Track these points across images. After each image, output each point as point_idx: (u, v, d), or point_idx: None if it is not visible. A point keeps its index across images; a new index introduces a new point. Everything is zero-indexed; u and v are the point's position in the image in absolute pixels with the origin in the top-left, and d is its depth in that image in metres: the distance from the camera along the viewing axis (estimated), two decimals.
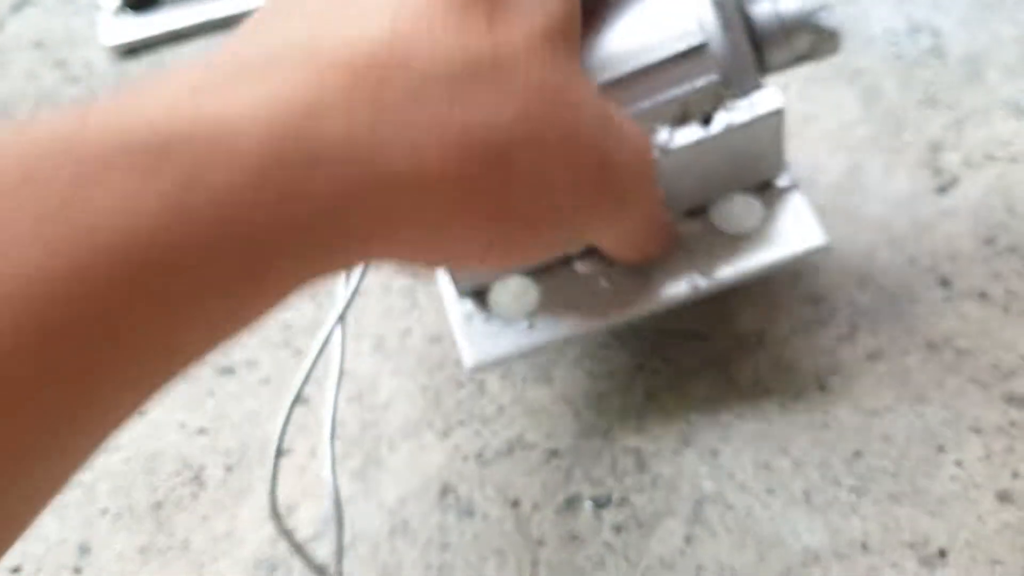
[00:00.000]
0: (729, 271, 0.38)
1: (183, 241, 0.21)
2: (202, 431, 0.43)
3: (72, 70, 0.58)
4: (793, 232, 0.39)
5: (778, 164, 0.40)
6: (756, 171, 0.39)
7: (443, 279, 0.40)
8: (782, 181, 0.40)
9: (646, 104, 0.35)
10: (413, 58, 0.24)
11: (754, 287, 0.45)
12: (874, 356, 0.43)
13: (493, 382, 0.43)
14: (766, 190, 0.40)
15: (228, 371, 0.45)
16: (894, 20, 0.56)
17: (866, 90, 0.53)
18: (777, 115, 0.36)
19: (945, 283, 0.45)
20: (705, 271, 0.38)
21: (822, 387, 0.42)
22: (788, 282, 0.45)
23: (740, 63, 0.36)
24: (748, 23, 0.37)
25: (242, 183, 0.21)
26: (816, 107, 0.52)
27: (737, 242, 0.39)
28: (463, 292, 0.40)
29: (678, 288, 0.38)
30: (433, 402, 0.43)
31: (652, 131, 0.35)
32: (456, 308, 0.40)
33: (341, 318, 0.38)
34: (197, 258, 0.21)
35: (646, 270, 0.39)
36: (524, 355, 0.39)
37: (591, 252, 0.39)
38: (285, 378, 0.44)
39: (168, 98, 0.22)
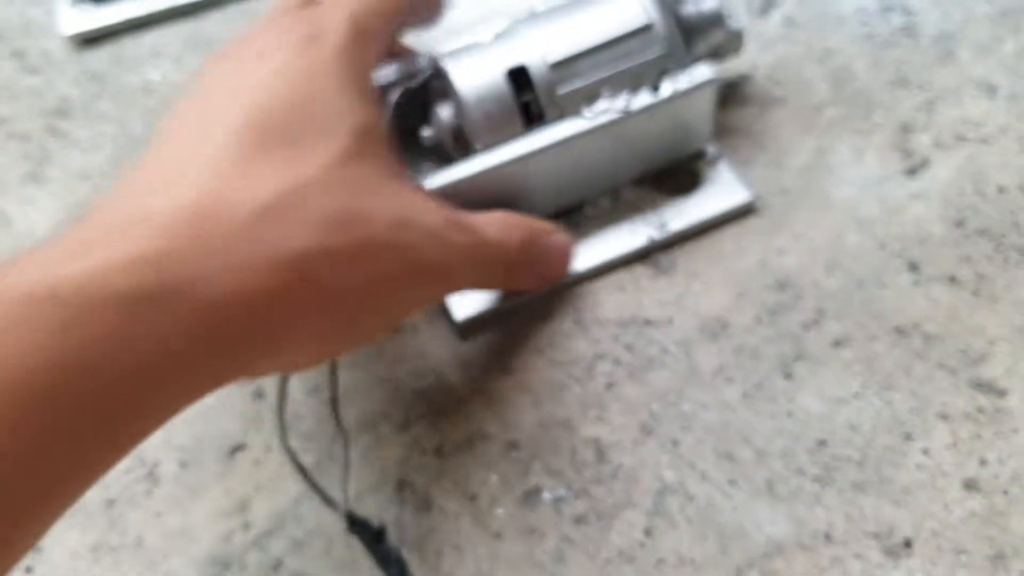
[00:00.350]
0: (676, 224, 0.45)
1: (63, 380, 0.25)
2: None
3: (30, 60, 0.57)
4: (724, 192, 0.46)
5: (708, 134, 0.47)
6: (690, 140, 0.46)
7: None
8: (711, 151, 0.48)
9: (607, 72, 0.43)
10: (223, 207, 0.29)
11: (716, 270, 0.44)
12: (840, 342, 0.42)
13: (453, 374, 0.42)
14: (700, 159, 0.47)
15: None
16: (865, 0, 0.55)
17: (836, 71, 0.52)
18: (711, 84, 0.44)
19: (914, 267, 0.44)
20: (656, 226, 0.45)
21: (787, 375, 0.41)
22: (753, 266, 0.44)
23: (676, 44, 0.44)
24: (677, 18, 0.45)
25: (104, 331, 0.26)
26: (785, 89, 0.51)
27: (679, 203, 0.46)
28: None
29: (637, 240, 0.45)
30: (392, 394, 0.42)
31: (614, 96, 0.43)
32: None
33: None
34: (77, 394, 0.26)
35: (609, 228, 0.46)
36: (508, 307, 0.44)
37: (558, 216, 0.45)
38: None
39: (45, 262, 0.27)
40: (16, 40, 0.58)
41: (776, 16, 0.55)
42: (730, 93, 0.51)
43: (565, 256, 0.44)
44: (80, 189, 0.50)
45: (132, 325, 0.27)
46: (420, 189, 0.37)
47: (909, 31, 0.53)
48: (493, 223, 0.39)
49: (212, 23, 0.58)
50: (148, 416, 0.29)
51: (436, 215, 0.36)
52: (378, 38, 0.39)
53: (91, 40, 0.57)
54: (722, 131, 0.49)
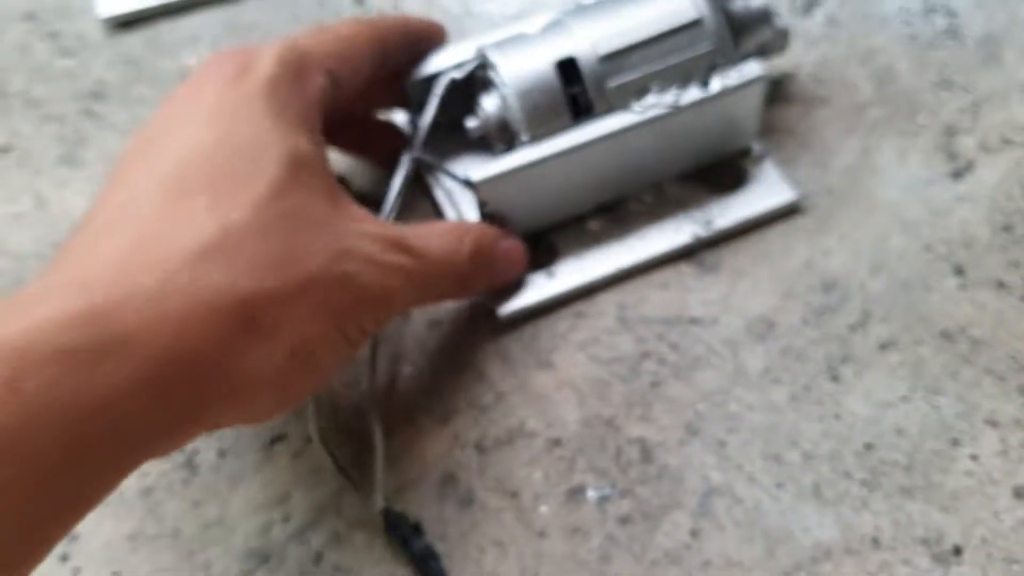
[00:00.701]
0: (722, 222, 0.45)
1: (6, 439, 0.25)
2: None
3: (64, 42, 0.56)
4: (769, 191, 0.46)
5: (754, 132, 0.46)
6: (737, 137, 0.46)
7: None
8: (757, 148, 0.47)
9: (657, 67, 0.42)
10: (156, 257, 0.29)
11: (762, 270, 0.44)
12: (887, 345, 0.41)
13: (493, 368, 0.42)
14: (745, 156, 0.47)
15: None
16: (908, 0, 0.54)
17: (879, 71, 0.51)
18: (760, 81, 0.43)
19: (960, 271, 0.43)
20: (701, 224, 0.45)
21: (834, 377, 0.41)
22: (799, 266, 0.44)
23: (725, 40, 0.44)
24: (726, 14, 0.44)
25: (48, 387, 0.26)
26: (829, 89, 0.51)
27: (724, 200, 0.45)
28: None
29: (682, 237, 0.45)
30: (431, 388, 0.41)
31: (663, 91, 0.42)
32: None
33: None
34: (23, 452, 0.25)
35: (654, 225, 0.45)
36: (549, 302, 0.43)
37: (602, 210, 0.45)
38: None
39: None
40: (51, 22, 0.57)
41: (819, 15, 0.54)
42: (775, 91, 0.50)
43: (518, 260, 0.43)
44: None
45: (75, 380, 0.26)
46: (360, 213, 0.36)
47: (953, 33, 0.53)
48: (439, 236, 0.39)
49: (250, 9, 0.57)
50: (104, 471, 0.28)
51: (375, 241, 0.35)
52: (318, 71, 0.38)
53: (126, 24, 0.57)
54: (766, 129, 0.48)
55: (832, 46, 0.53)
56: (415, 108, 0.47)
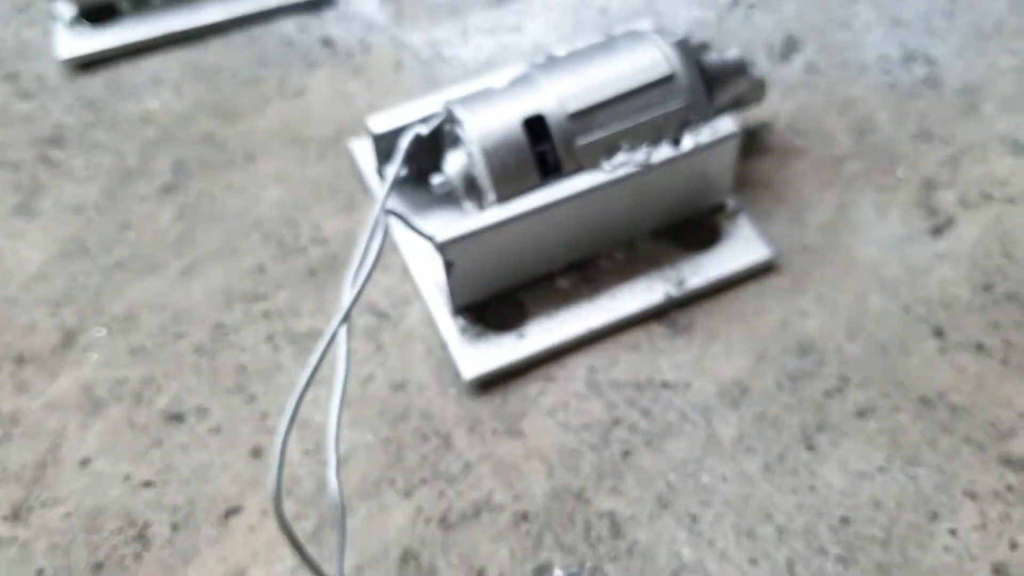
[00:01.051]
0: (695, 281, 0.43)
1: None
2: (148, 484, 0.40)
3: (23, 84, 0.55)
4: (743, 248, 0.44)
5: (728, 188, 0.45)
6: (710, 193, 0.45)
7: (436, 300, 0.43)
8: (730, 205, 0.45)
9: (628, 124, 0.41)
10: None
11: (736, 331, 0.43)
12: (864, 412, 0.40)
13: (460, 436, 0.40)
14: (719, 212, 0.45)
15: (176, 418, 0.42)
16: (888, 46, 0.54)
17: (858, 121, 0.50)
18: (734, 138, 0.43)
19: (939, 333, 0.42)
20: (673, 281, 0.44)
21: (809, 446, 0.39)
22: (774, 328, 0.43)
23: (698, 94, 0.43)
24: (700, 68, 0.44)
25: None
26: (806, 139, 0.50)
27: (697, 258, 0.44)
28: (458, 309, 0.43)
29: (654, 297, 0.43)
30: (395, 457, 0.40)
31: (634, 149, 0.41)
32: (450, 325, 0.42)
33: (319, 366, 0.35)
34: None
35: (625, 283, 0.44)
36: (518, 365, 0.42)
37: (571, 268, 0.44)
38: (237, 427, 0.41)
39: None
40: (10, 62, 0.56)
41: (797, 62, 0.53)
42: (750, 142, 0.49)
43: None
44: (73, 223, 0.48)
45: None
46: None
47: (932, 82, 0.52)
48: None
49: (214, 51, 0.56)
50: None
51: None
52: None
53: (87, 65, 0.55)
54: (741, 181, 0.47)
55: (810, 94, 0.52)
56: (380, 158, 0.46)
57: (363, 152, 0.48)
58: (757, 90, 0.47)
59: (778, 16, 0.56)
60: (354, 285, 0.37)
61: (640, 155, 0.41)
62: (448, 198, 0.44)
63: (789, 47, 0.54)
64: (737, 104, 0.46)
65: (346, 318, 0.38)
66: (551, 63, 0.43)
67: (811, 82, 0.52)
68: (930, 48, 0.53)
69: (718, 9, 0.56)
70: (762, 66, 0.51)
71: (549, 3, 0.57)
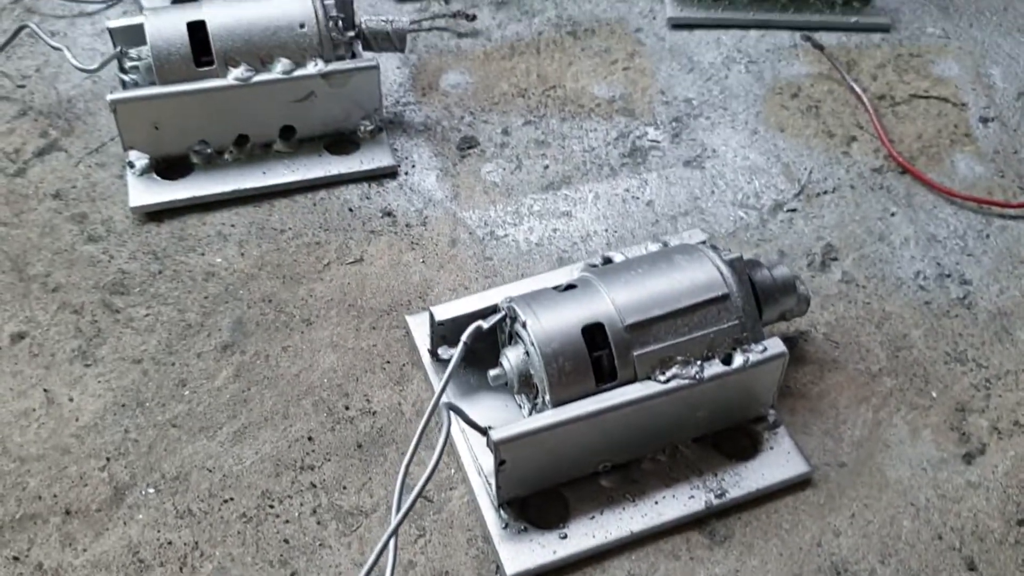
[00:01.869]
0: (735, 492, 0.44)
1: None
2: None
3: (91, 227, 0.57)
4: (782, 461, 0.46)
5: (771, 401, 0.47)
6: (753, 406, 0.47)
7: (481, 488, 0.44)
8: (771, 416, 0.47)
9: (683, 339, 0.43)
10: None
11: (772, 545, 0.43)
12: None
13: None
14: (760, 422, 0.47)
15: None
16: (923, 264, 0.56)
17: (893, 337, 0.52)
18: (782, 358, 0.45)
19: (972, 566, 0.43)
20: (714, 490, 0.45)
21: None
22: (808, 544, 0.44)
23: (750, 313, 0.45)
24: (752, 283, 0.46)
25: None
26: (842, 352, 0.51)
27: (737, 467, 0.46)
28: (503, 501, 0.43)
29: (695, 505, 0.44)
30: None
31: (687, 363, 0.43)
32: (494, 518, 0.43)
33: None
34: None
35: (667, 488, 0.45)
36: (561, 564, 0.42)
37: (616, 468, 0.45)
38: None
39: None
40: (79, 203, 0.58)
41: (836, 271, 0.55)
42: (789, 350, 0.51)
43: None
44: (130, 374, 0.50)
45: None
46: None
47: (966, 302, 0.54)
48: None
49: (279, 212, 0.58)
50: None
51: None
52: None
53: (155, 214, 0.57)
54: (780, 391, 0.48)
55: (847, 306, 0.54)
56: (435, 340, 0.48)
57: (419, 328, 0.50)
58: (803, 304, 0.49)
59: (818, 222, 0.58)
60: (407, 493, 0.39)
61: (693, 369, 0.43)
62: (501, 391, 0.46)
63: (828, 256, 0.56)
64: (783, 317, 0.48)
65: (394, 532, 0.39)
66: (610, 270, 0.45)
67: (849, 293, 0.54)
68: (965, 268, 0.56)
69: (760, 212, 0.59)
70: (802, 274, 0.53)
71: (598, 192, 0.60)
